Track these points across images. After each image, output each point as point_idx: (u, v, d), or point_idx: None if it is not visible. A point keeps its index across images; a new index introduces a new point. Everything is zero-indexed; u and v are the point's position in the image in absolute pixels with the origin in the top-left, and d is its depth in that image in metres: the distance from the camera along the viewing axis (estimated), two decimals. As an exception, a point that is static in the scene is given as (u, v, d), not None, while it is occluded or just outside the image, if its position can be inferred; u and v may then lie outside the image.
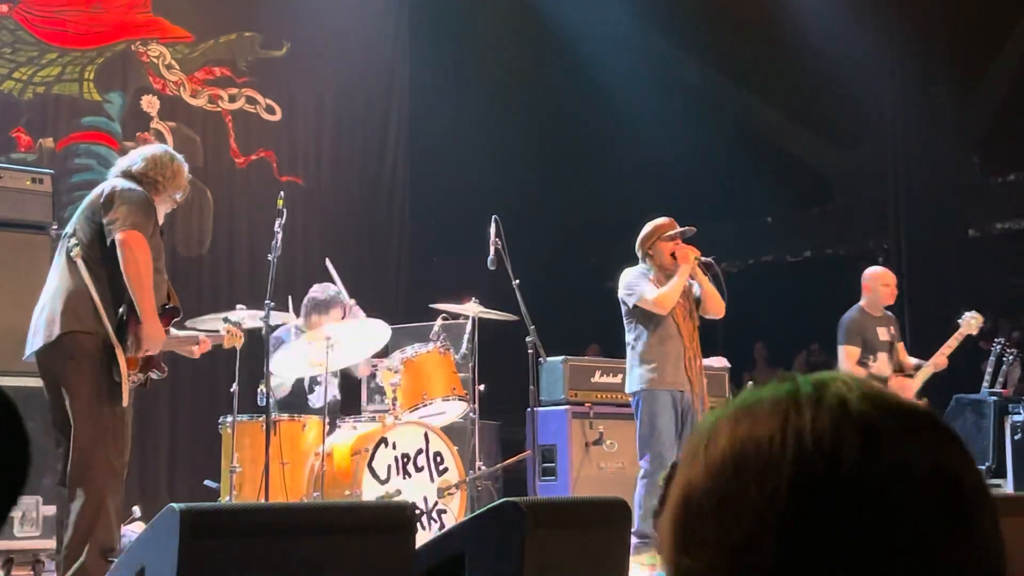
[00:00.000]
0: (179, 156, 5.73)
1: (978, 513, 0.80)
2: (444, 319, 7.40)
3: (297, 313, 7.27)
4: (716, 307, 6.59)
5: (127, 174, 5.50)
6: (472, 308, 7.14)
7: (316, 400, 7.33)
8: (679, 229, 6.56)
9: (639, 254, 6.66)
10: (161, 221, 5.63)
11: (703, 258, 6.52)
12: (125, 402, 5.16)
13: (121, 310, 5.18)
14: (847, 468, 0.78)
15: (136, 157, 5.62)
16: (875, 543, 0.76)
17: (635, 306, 6.48)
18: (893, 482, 0.78)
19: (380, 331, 6.94)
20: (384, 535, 3.30)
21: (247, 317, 6.21)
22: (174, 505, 3.05)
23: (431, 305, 7.36)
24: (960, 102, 11.28)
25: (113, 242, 5.17)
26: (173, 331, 5.76)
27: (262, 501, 6.00)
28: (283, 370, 6.85)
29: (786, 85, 11.14)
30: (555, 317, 8.20)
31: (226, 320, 6.06)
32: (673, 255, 6.50)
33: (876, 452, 0.79)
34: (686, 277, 6.46)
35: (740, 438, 0.82)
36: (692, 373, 6.43)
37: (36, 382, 5.96)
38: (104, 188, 5.39)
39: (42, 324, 5.23)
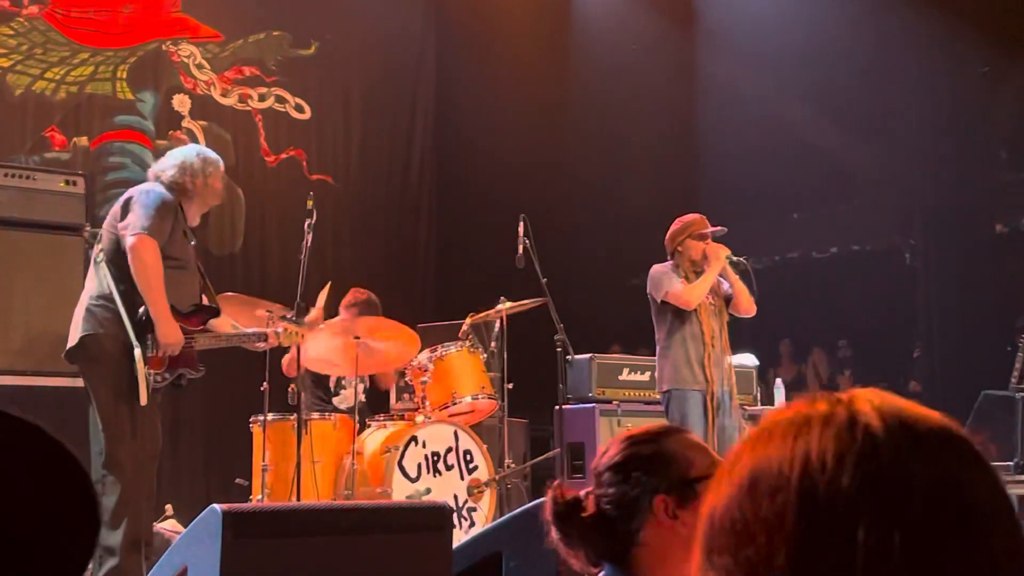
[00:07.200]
0: (213, 156, 5.79)
1: (988, 522, 0.81)
2: (472, 318, 7.43)
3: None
4: (747, 306, 6.58)
5: (156, 177, 5.60)
6: (501, 307, 7.18)
7: (342, 402, 7.38)
8: (710, 228, 6.55)
9: (668, 250, 6.64)
10: (195, 223, 5.70)
11: (735, 257, 6.51)
12: (143, 400, 5.24)
13: (141, 311, 5.27)
14: (846, 485, 0.80)
15: (167, 162, 5.70)
16: (877, 559, 0.78)
17: (663, 302, 6.46)
18: (891, 498, 0.79)
19: (411, 337, 6.99)
20: (422, 535, 3.34)
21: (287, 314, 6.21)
22: (216, 506, 3.09)
23: (464, 320, 7.38)
24: (988, 97, 11.22)
25: None
26: (239, 327, 5.86)
27: (294, 500, 6.05)
28: (310, 363, 6.86)
29: (813, 80, 11.09)
30: (581, 316, 8.21)
31: (284, 318, 6.04)
32: (704, 253, 6.49)
33: (875, 468, 0.81)
34: (716, 275, 6.46)
35: (757, 459, 0.85)
36: (711, 372, 6.40)
37: (72, 382, 6.07)
38: (127, 194, 5.53)
39: (71, 329, 5.38)
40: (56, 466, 1.13)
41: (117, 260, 5.37)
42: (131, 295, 5.31)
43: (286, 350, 6.53)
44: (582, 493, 2.20)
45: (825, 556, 0.79)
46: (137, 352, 5.25)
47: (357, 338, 6.72)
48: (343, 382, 7.44)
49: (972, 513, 0.81)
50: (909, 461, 0.81)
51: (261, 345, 5.91)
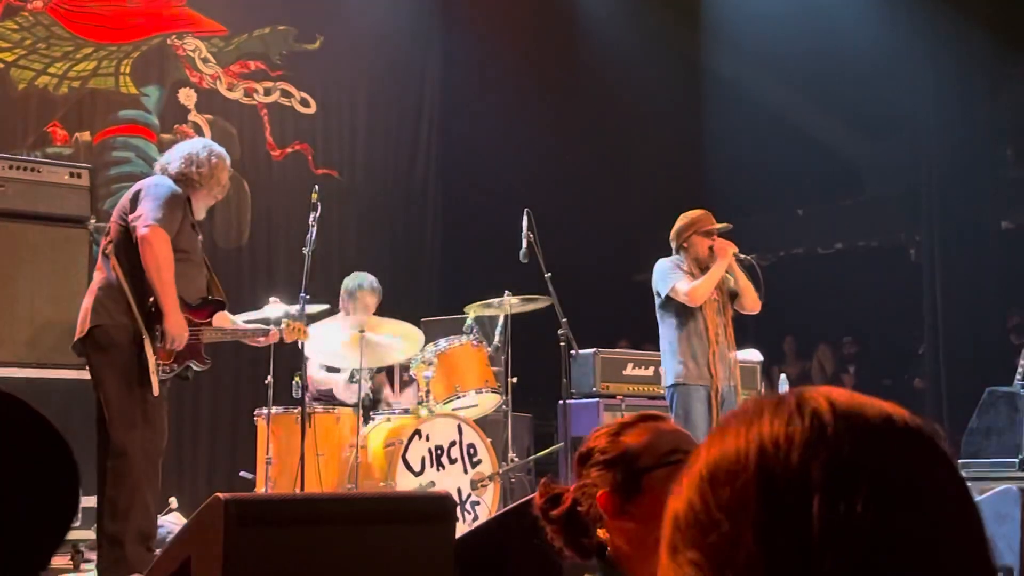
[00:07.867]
0: (219, 150, 5.79)
1: (940, 509, 0.83)
2: (477, 312, 7.44)
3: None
4: (753, 303, 6.57)
5: (163, 171, 5.62)
6: (505, 302, 7.18)
7: (349, 395, 7.38)
8: (716, 226, 6.53)
9: (673, 245, 6.62)
10: (201, 216, 5.72)
11: (741, 255, 6.50)
12: (155, 392, 5.25)
13: (150, 301, 5.28)
14: (797, 464, 0.82)
15: (173, 155, 5.72)
16: (830, 528, 0.80)
17: (667, 297, 6.46)
18: (839, 475, 0.82)
19: (414, 334, 6.99)
20: (426, 525, 3.34)
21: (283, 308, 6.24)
22: (219, 495, 3.09)
23: (466, 307, 7.39)
24: (994, 94, 11.20)
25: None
26: (240, 322, 5.88)
27: (298, 492, 6.05)
28: (315, 353, 6.86)
29: (818, 76, 11.08)
30: (585, 311, 8.20)
31: (287, 315, 6.07)
32: (711, 249, 6.47)
33: (823, 448, 0.83)
34: (722, 271, 6.45)
35: (713, 453, 0.87)
36: (715, 367, 6.39)
37: (76, 374, 6.08)
38: (136, 186, 5.54)
39: (79, 319, 5.37)
40: (39, 441, 1.12)
41: (126, 251, 5.37)
42: (140, 286, 5.32)
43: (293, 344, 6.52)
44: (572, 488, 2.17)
45: (787, 531, 0.81)
46: (147, 342, 5.27)
47: (362, 331, 6.75)
48: (354, 374, 7.43)
49: (923, 499, 0.83)
50: (855, 443, 0.83)
51: (263, 340, 5.93)
